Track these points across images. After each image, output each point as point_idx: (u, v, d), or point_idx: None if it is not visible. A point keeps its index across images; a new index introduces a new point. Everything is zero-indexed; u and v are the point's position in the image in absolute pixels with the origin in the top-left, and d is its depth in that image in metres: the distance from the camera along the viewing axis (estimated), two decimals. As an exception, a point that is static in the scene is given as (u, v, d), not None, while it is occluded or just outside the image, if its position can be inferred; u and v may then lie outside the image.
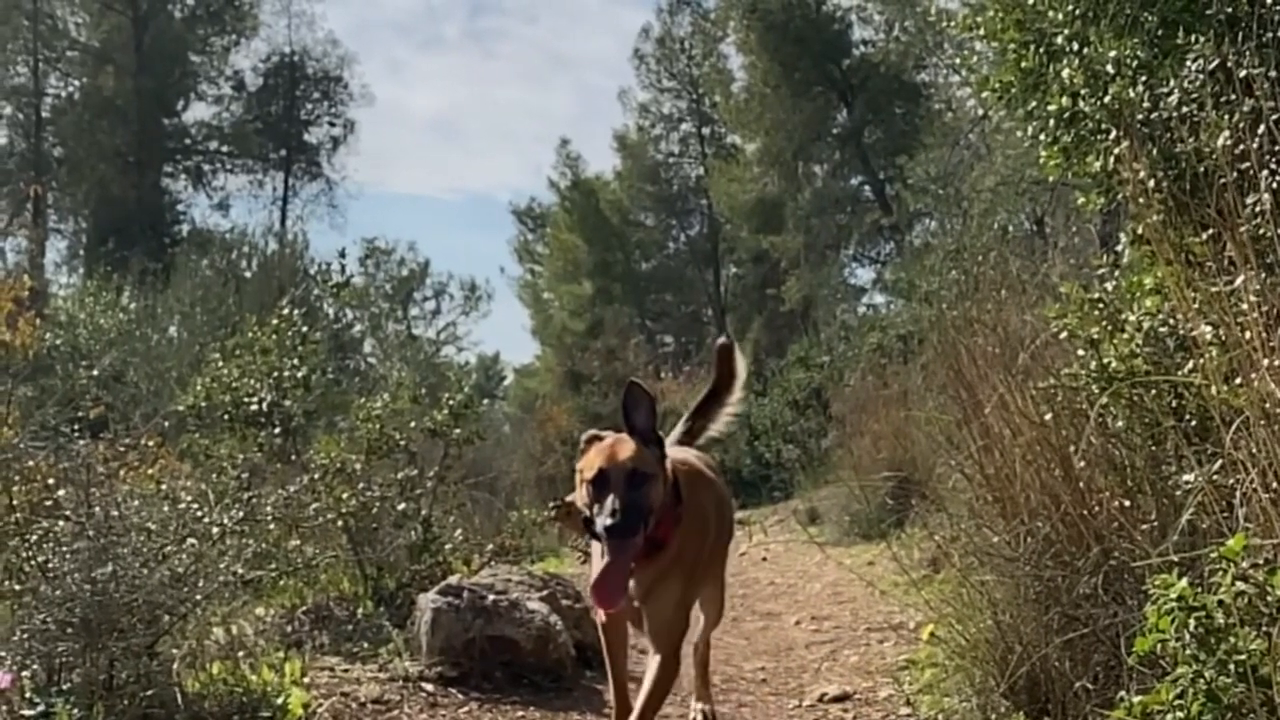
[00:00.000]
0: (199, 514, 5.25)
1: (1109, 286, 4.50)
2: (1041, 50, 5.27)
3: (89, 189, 38.10)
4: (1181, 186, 4.19)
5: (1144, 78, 4.68)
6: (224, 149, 42.62)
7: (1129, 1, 4.81)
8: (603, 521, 3.65)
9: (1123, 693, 3.10)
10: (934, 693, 5.12)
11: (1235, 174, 3.71)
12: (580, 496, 3.87)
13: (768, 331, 36.77)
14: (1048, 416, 4.38)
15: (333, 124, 43.55)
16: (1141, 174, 4.05)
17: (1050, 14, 5.19)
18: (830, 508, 13.11)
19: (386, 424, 7.87)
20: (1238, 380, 3.39)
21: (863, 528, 11.46)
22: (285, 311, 8.79)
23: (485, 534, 8.58)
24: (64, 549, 4.60)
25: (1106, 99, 4.73)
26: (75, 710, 4.12)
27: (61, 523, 4.85)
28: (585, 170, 44.82)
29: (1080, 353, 4.35)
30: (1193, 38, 4.47)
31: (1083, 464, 4.23)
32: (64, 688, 4.25)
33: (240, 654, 5.17)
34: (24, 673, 4.30)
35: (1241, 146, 3.77)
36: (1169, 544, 3.49)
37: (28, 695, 4.20)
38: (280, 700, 4.83)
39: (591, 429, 4.08)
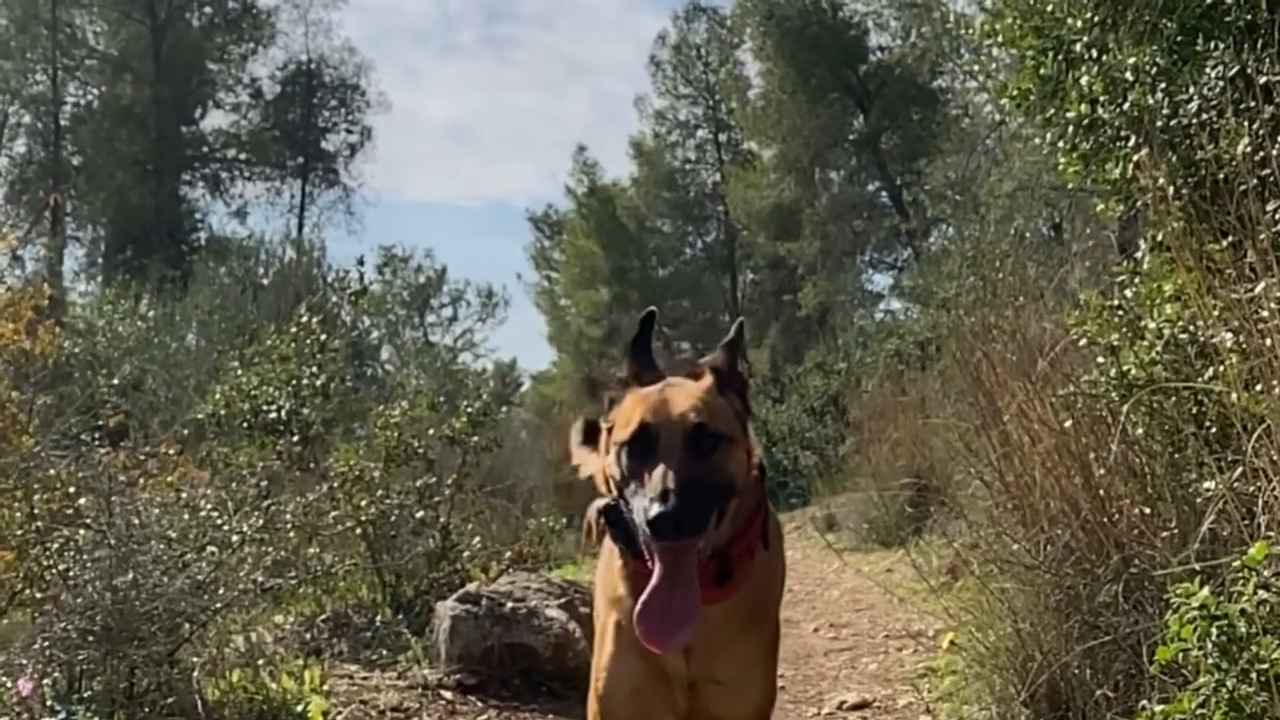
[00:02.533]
0: (218, 522, 5.28)
1: (1128, 293, 4.49)
2: (1060, 57, 5.25)
3: (107, 197, 38.20)
4: (1201, 193, 4.19)
5: (1163, 85, 4.67)
6: (241, 157, 42.66)
7: (1148, 8, 4.79)
8: (644, 509, 2.26)
9: (1144, 702, 3.09)
10: (953, 701, 5.11)
11: (1255, 181, 3.70)
12: (608, 469, 2.49)
13: (785, 338, 36.71)
14: (1067, 424, 4.36)
15: (350, 131, 43.60)
16: (1161, 181, 4.04)
17: (1069, 21, 5.18)
18: (848, 515, 13.08)
19: (405, 431, 7.87)
20: (1259, 387, 3.38)
21: (881, 535, 11.42)
22: (303, 319, 8.83)
23: (503, 541, 8.59)
24: (85, 557, 4.62)
25: (1125, 106, 4.72)
26: (96, 718, 4.14)
27: (82, 531, 4.88)
28: (602, 177, 44.79)
29: (1100, 360, 4.34)
30: (1212, 44, 4.46)
31: (1103, 471, 4.21)
32: (85, 695, 4.28)
33: (260, 662, 5.19)
34: (45, 680, 4.32)
35: (1261, 153, 3.77)
36: (1190, 552, 3.47)
37: (49, 703, 4.23)
38: (300, 708, 4.85)
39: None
